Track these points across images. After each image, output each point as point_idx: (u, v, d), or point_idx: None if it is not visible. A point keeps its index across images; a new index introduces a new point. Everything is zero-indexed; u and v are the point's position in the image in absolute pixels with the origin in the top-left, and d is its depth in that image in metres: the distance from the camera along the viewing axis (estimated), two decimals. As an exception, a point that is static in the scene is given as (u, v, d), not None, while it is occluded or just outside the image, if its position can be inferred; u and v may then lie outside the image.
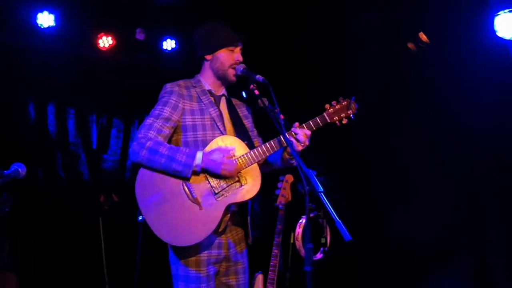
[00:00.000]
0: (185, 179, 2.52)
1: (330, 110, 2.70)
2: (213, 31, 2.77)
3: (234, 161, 2.53)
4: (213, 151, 2.54)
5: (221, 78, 2.79)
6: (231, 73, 2.76)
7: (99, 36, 5.48)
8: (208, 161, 2.50)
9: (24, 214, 5.14)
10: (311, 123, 2.67)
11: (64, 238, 5.29)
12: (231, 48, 2.75)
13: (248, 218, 2.72)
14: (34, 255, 5.16)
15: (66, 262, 5.28)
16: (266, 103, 2.62)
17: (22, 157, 2.64)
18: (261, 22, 5.24)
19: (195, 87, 2.77)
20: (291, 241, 4.37)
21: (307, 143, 2.63)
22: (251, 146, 2.69)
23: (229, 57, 2.75)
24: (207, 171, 2.53)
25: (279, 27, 5.35)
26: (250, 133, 2.86)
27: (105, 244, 5.33)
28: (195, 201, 2.51)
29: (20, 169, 2.37)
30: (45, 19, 5.00)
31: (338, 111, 2.71)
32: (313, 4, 5.00)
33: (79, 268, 5.32)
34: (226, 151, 2.53)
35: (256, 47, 4.86)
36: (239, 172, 2.57)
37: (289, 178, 3.87)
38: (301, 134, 2.60)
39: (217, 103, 2.78)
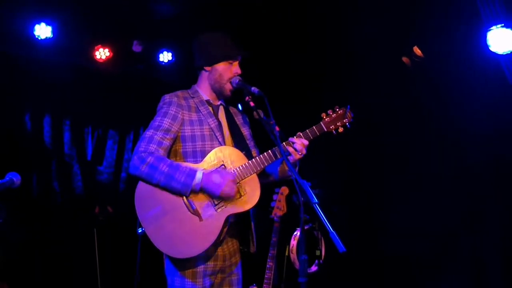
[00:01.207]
0: (183, 196, 2.51)
1: (326, 119, 2.72)
2: (214, 42, 2.78)
3: (234, 186, 2.52)
4: (213, 172, 2.53)
5: (217, 91, 2.80)
6: (227, 88, 2.77)
7: (96, 48, 5.51)
8: (207, 183, 2.49)
9: (17, 224, 5.11)
10: (308, 132, 2.69)
11: (58, 249, 5.26)
12: (230, 61, 2.77)
13: (252, 225, 2.72)
14: (27, 265, 5.12)
15: (60, 273, 5.24)
16: (262, 115, 2.62)
17: (17, 167, 2.64)
18: (261, 33, 5.29)
19: (193, 97, 2.78)
20: (286, 254, 4.36)
21: (304, 152, 2.63)
22: (249, 156, 2.69)
23: (228, 70, 2.76)
24: (206, 191, 2.52)
25: (279, 38, 5.40)
26: (248, 142, 2.87)
27: (100, 255, 5.30)
28: (195, 212, 2.50)
29: (14, 179, 2.36)
30: (43, 31, 5.03)
31: (334, 120, 2.73)
32: (313, 15, 5.05)
33: (73, 280, 5.28)
34: (227, 175, 2.52)
35: (256, 58, 4.91)
36: (238, 183, 2.58)
37: (284, 190, 3.87)
38: (298, 144, 2.61)
39: (215, 113, 2.79)
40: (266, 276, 3.64)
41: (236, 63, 2.79)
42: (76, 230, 5.37)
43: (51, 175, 5.61)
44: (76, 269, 5.33)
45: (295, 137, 2.66)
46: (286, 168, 2.76)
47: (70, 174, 5.77)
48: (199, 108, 2.74)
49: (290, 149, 2.61)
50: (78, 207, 5.64)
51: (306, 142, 2.65)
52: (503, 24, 3.99)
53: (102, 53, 5.53)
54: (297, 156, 2.62)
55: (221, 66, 2.76)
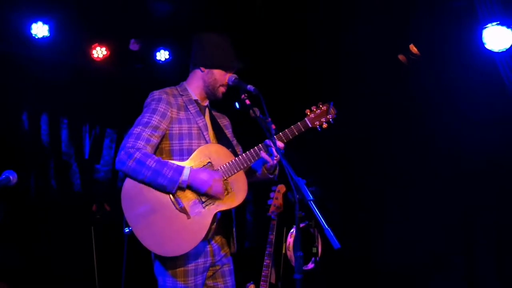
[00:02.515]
0: (169, 193, 2.50)
1: (311, 115, 2.75)
2: (216, 46, 2.76)
3: (220, 185, 2.53)
4: (201, 170, 2.53)
5: (209, 92, 2.80)
6: (220, 91, 2.78)
7: (93, 46, 5.51)
8: (194, 179, 2.49)
9: (16, 222, 5.13)
10: (287, 132, 2.69)
11: (56, 246, 5.27)
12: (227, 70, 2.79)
13: (233, 226, 2.73)
14: (25, 263, 5.13)
15: (57, 271, 5.26)
16: (258, 113, 2.62)
17: (14, 166, 2.64)
18: (259, 31, 5.29)
19: (182, 95, 2.77)
20: (283, 251, 4.37)
21: (279, 156, 2.58)
22: (234, 153, 2.71)
23: (223, 77, 2.77)
24: (193, 188, 2.52)
25: (276, 36, 5.41)
26: (232, 142, 2.88)
27: (97, 253, 5.31)
28: (182, 210, 2.50)
29: (11, 177, 2.36)
30: (40, 30, 5.03)
31: (319, 116, 2.76)
32: (311, 15, 5.06)
33: (70, 277, 5.29)
34: (213, 174, 2.52)
35: (255, 59, 4.91)
36: (225, 179, 2.58)
37: (281, 188, 3.87)
38: (273, 148, 2.59)
39: (203, 113, 2.79)
40: (263, 273, 3.64)
41: (232, 72, 2.80)
42: (73, 227, 5.38)
43: (49, 173, 5.63)
44: (74, 266, 5.34)
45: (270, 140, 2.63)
46: (266, 172, 2.76)
47: (68, 172, 5.79)
48: (188, 107, 2.73)
49: (264, 154, 2.61)
50: (75, 204, 5.65)
51: (281, 144, 2.65)
52: (498, 22, 3.99)
53: (99, 52, 5.53)
54: (274, 161, 2.63)
55: (217, 72, 2.76)
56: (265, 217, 3.82)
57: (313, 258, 4.21)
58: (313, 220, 4.10)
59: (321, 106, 2.78)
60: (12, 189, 2.43)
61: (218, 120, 2.90)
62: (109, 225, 5.50)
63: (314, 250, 4.17)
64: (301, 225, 3.85)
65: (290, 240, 4.28)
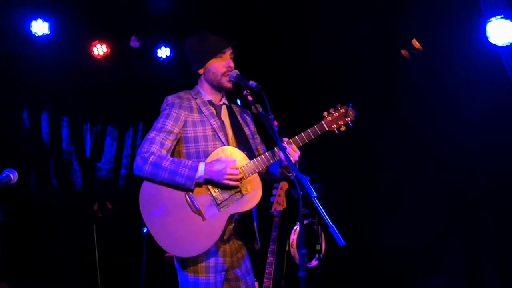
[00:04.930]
0: (188, 191, 2.54)
1: (328, 118, 2.69)
2: (198, 43, 2.78)
3: (237, 170, 2.53)
4: (214, 161, 2.55)
5: (217, 87, 2.79)
6: (225, 80, 2.75)
7: (93, 44, 5.50)
8: (210, 172, 2.51)
9: (16, 222, 5.11)
10: (303, 135, 2.65)
11: (58, 245, 5.26)
12: (219, 55, 2.75)
13: (255, 224, 2.72)
14: (26, 262, 5.12)
15: (59, 270, 5.25)
16: (260, 109, 2.60)
17: (15, 164, 2.63)
18: (259, 30, 5.26)
19: (195, 98, 2.77)
20: (286, 249, 4.36)
21: (296, 158, 2.59)
22: (250, 156, 2.68)
23: (220, 65, 2.74)
24: (210, 182, 2.54)
25: (277, 36, 5.38)
26: (251, 141, 2.86)
27: (99, 251, 5.31)
28: (198, 212, 2.53)
29: (11, 175, 2.37)
30: (40, 27, 5.02)
31: (337, 119, 2.69)
32: (309, 13, 5.03)
33: (72, 276, 5.29)
34: (228, 162, 2.53)
35: (254, 56, 4.88)
36: (241, 181, 2.58)
37: (284, 185, 3.86)
38: (289, 150, 2.57)
39: (218, 113, 2.77)
40: (266, 271, 3.64)
41: (226, 55, 2.76)
42: (75, 226, 5.36)
43: (50, 172, 5.61)
44: (76, 266, 5.33)
45: (285, 142, 2.60)
46: (284, 171, 2.74)
47: (69, 170, 5.77)
48: (201, 109, 2.73)
49: (281, 154, 2.56)
50: (77, 203, 5.64)
51: (296, 150, 2.61)
52: (502, 15, 3.95)
53: (99, 49, 5.52)
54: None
55: (212, 64, 2.75)
56: (267, 214, 3.81)
57: (316, 255, 4.20)
58: (317, 217, 4.09)
59: (339, 108, 2.71)
60: (12, 188, 2.44)
61: (239, 117, 2.87)
62: (111, 223, 5.50)
63: (318, 247, 4.16)
64: (305, 222, 3.84)
65: (293, 237, 4.28)
